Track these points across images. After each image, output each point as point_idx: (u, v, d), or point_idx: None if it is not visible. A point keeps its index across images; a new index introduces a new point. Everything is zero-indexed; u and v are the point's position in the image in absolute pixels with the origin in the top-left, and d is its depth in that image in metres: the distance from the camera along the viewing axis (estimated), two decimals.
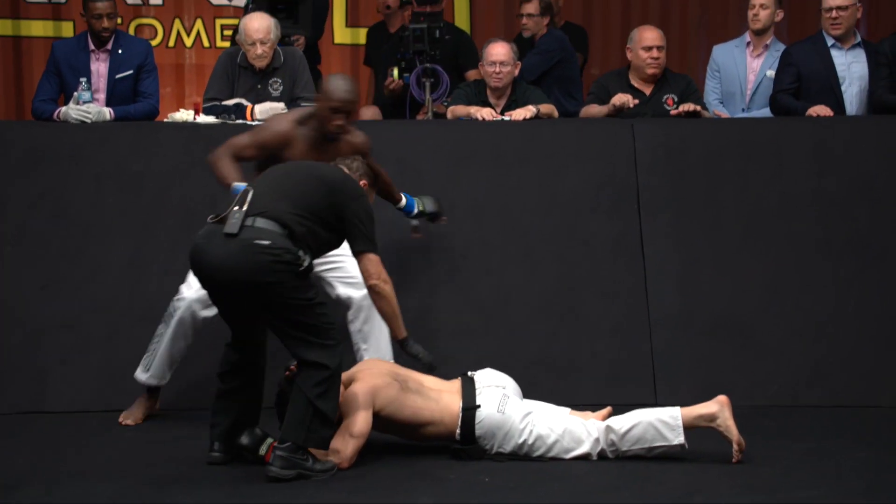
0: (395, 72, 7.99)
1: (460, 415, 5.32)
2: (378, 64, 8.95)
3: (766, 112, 7.66)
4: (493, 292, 6.65)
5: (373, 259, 5.22)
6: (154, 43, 10.24)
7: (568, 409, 5.45)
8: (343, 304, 5.95)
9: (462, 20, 10.35)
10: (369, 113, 8.49)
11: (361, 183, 5.50)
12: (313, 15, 7.81)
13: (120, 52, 7.49)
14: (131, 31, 10.14)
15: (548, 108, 7.45)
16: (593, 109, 7.55)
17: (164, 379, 5.96)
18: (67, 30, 9.67)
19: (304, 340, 5.03)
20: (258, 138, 5.84)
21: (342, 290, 5.98)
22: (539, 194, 6.85)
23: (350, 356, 5.79)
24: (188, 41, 10.36)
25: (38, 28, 10.03)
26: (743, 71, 7.90)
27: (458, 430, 5.32)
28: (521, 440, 5.32)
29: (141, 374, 5.93)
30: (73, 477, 5.11)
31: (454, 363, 5.88)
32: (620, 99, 7.34)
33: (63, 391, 5.95)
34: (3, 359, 6.17)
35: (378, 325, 5.88)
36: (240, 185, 5.42)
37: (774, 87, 7.63)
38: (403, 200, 6.18)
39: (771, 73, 7.75)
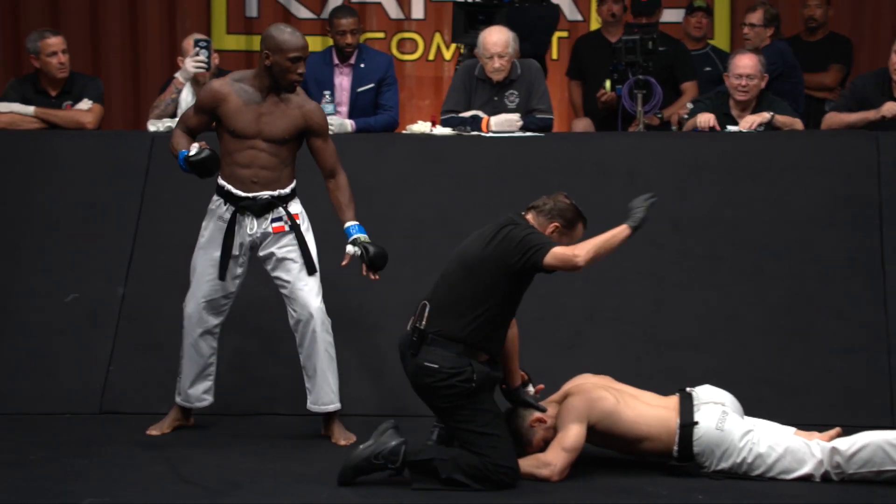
0: (608, 84, 7.95)
1: (678, 431, 5.26)
2: (589, 75, 8.84)
3: None
4: (721, 307, 6.53)
5: (554, 253, 5.08)
6: (414, 57, 10.48)
7: (793, 429, 5.32)
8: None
9: (722, 36, 10.16)
10: (581, 125, 8.46)
11: (552, 226, 5.28)
12: (538, 28, 7.78)
13: (362, 66, 7.76)
14: (393, 46, 10.37)
15: (788, 119, 7.27)
16: (846, 118, 7.22)
17: (194, 402, 5.97)
18: None
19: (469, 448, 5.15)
20: (196, 102, 5.89)
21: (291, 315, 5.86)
22: (772, 208, 6.70)
23: None
24: (447, 54, 10.52)
25: None
26: None
27: (675, 447, 5.26)
28: (739, 458, 5.22)
29: (176, 397, 5.98)
30: (295, 479, 5.29)
31: (679, 377, 5.80)
32: (892, 110, 7.04)
33: (293, 395, 6.13)
34: (242, 364, 6.42)
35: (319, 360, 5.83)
36: (183, 151, 5.65)
37: None
38: (350, 224, 5.80)
39: None
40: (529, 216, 5.30)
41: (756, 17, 8.45)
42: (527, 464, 5.24)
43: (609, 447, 5.40)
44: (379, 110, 7.70)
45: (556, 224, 5.27)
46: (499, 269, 5.13)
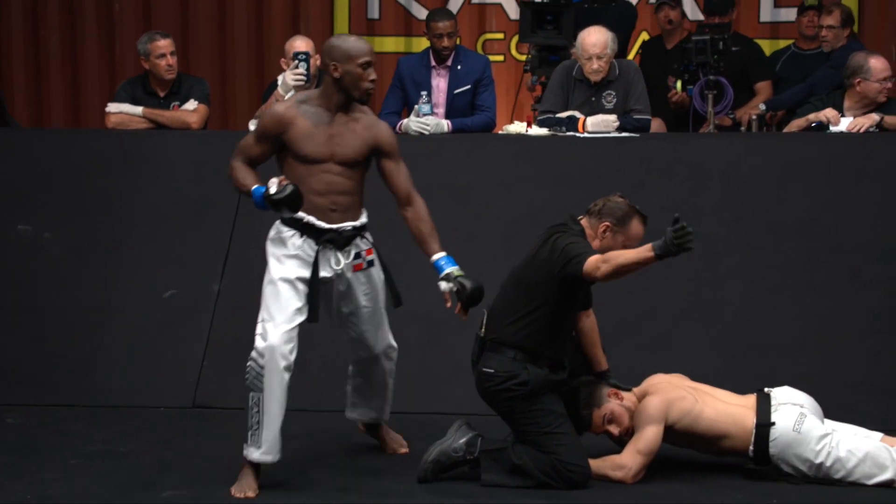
0: (679, 84, 7.84)
1: (754, 431, 5.18)
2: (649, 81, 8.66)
3: None
4: (816, 310, 6.40)
5: (586, 263, 4.95)
6: None
7: (880, 435, 5.20)
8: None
9: None
10: (654, 125, 8.33)
11: (602, 225, 5.18)
12: (615, 29, 7.66)
13: (459, 67, 7.81)
14: (512, 46, 10.35)
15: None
16: None
17: (278, 454, 5.24)
18: (418, 46, 10.06)
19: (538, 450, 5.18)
20: (258, 129, 5.31)
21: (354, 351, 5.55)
22: (871, 211, 6.56)
23: None
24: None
25: (389, 44, 10.45)
26: None
27: (751, 447, 5.18)
28: (817, 461, 5.12)
29: (254, 452, 5.18)
30: (372, 474, 5.37)
31: (771, 380, 5.59)
32: None
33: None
34: (332, 362, 6.45)
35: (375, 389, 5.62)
36: (258, 187, 5.15)
37: None
38: (438, 256, 5.26)
39: None
40: (584, 220, 5.27)
41: (833, 18, 8.30)
42: (602, 465, 5.22)
43: (687, 446, 5.34)
44: (476, 111, 7.73)
45: (607, 224, 5.19)
46: (544, 277, 5.13)
